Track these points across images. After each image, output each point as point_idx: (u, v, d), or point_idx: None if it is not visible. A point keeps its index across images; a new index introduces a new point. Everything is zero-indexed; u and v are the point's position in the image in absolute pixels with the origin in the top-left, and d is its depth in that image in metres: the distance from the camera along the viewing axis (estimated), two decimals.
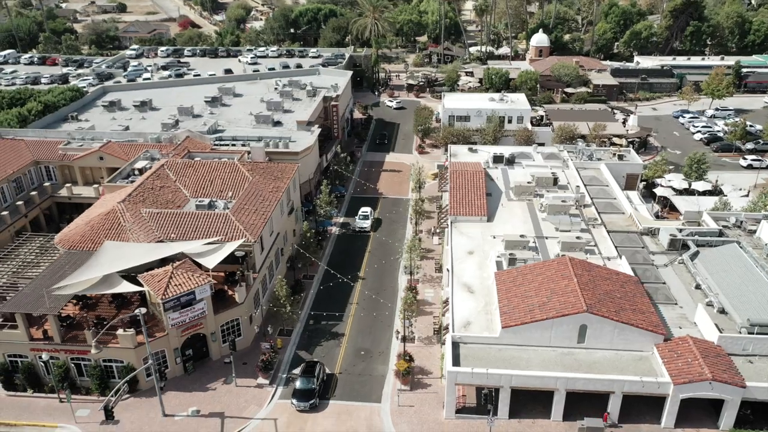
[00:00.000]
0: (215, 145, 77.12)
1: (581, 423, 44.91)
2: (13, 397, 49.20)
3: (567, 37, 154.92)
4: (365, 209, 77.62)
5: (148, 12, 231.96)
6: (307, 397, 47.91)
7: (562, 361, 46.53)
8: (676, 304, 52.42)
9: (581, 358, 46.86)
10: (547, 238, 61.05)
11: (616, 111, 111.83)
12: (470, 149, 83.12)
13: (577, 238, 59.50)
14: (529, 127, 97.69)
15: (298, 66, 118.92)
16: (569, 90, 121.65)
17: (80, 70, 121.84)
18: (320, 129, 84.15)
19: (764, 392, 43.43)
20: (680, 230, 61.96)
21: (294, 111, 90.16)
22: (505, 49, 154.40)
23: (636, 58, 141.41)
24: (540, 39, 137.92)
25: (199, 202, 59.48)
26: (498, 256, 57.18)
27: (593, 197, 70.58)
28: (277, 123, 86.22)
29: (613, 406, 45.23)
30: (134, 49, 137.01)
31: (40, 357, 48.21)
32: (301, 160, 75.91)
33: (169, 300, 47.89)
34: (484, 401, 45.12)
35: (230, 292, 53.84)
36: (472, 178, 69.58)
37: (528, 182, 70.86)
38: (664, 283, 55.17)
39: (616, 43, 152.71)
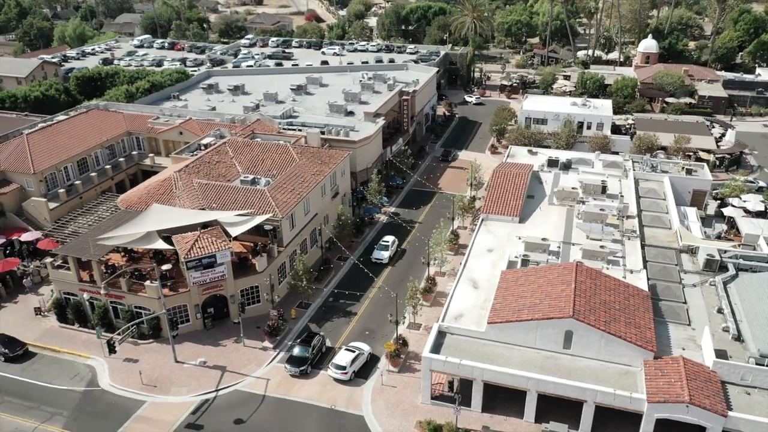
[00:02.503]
0: (283, 129, 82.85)
1: (545, 425, 44.63)
2: (63, 328, 57.47)
3: (690, 44, 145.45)
4: (387, 238, 69.91)
5: (281, 5, 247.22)
6: (300, 363, 51.54)
7: (543, 364, 46.31)
8: (688, 324, 49.87)
9: (564, 363, 46.34)
10: (573, 244, 59.99)
11: (715, 125, 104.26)
12: (530, 151, 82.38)
13: (601, 247, 58.00)
14: (608, 134, 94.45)
15: (391, 61, 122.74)
16: (670, 100, 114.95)
17: (199, 56, 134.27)
18: (385, 121, 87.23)
19: (747, 425, 40.67)
20: (724, 252, 58.27)
21: (369, 103, 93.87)
22: (614, 54, 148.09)
23: (758, 70, 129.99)
24: (648, 45, 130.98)
25: (245, 177, 65.02)
26: (515, 256, 57.37)
27: (643, 209, 67.84)
28: (350, 113, 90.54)
29: (586, 416, 44.43)
30: (249, 39, 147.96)
31: (84, 296, 56.00)
32: (359, 149, 79.58)
33: (191, 260, 53.54)
34: (449, 389, 46.14)
35: (253, 261, 58.70)
36: (513, 179, 69.43)
37: (573, 188, 69.46)
38: (684, 302, 52.49)
39: (740, 53, 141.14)
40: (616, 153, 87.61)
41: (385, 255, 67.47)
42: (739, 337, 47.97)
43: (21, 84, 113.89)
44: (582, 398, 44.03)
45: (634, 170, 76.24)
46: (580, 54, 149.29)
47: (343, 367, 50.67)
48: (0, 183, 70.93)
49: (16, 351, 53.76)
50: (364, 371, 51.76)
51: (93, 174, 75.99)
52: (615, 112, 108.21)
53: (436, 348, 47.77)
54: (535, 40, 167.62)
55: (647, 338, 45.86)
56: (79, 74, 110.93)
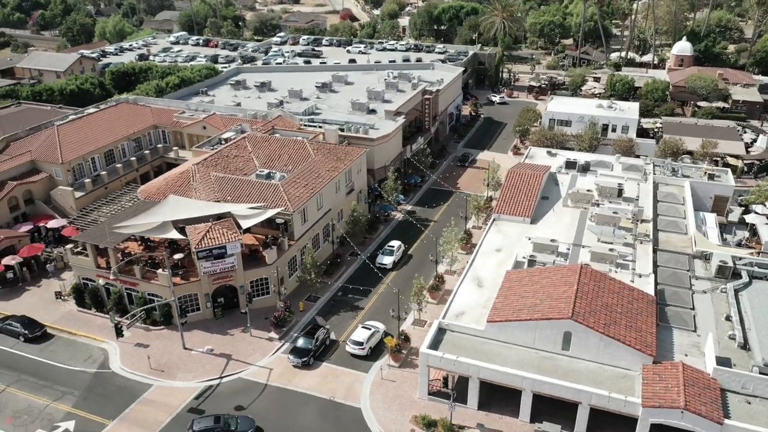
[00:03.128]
0: (304, 125, 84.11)
1: (538, 425, 44.58)
2: (80, 312, 59.73)
3: (730, 47, 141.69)
4: (393, 243, 69.01)
5: (318, 4, 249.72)
6: (302, 355, 52.55)
7: (541, 364, 46.22)
8: (693, 331, 49.09)
9: (562, 364, 46.14)
10: (583, 246, 59.53)
11: (746, 130, 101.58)
12: (549, 152, 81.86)
13: (610, 250, 57.43)
14: (633, 137, 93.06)
15: (418, 60, 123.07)
16: (702, 104, 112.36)
17: (231, 53, 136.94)
18: (405, 120, 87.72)
19: None
20: (739, 258, 57.07)
21: (392, 102, 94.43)
22: (648, 57, 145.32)
23: None
24: (682, 47, 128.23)
25: (260, 172, 66.37)
26: (522, 257, 57.27)
27: (659, 213, 66.86)
28: (372, 111, 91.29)
29: (581, 418, 44.21)
30: (280, 36, 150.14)
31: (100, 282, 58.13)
32: (377, 147, 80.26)
33: (202, 250, 55.05)
34: (444, 385, 46.45)
35: (263, 253, 59.94)
36: (528, 180, 69.15)
37: (588, 190, 68.82)
38: (692, 308, 51.67)
39: None
40: (639, 156, 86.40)
41: (389, 260, 66.58)
42: (745, 346, 47.08)
43: (60, 78, 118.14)
44: (577, 400, 43.83)
45: (654, 174, 75.10)
46: (614, 56, 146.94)
47: (361, 343, 53.40)
48: (31, 172, 74.02)
49: (35, 332, 56.14)
50: (378, 349, 54.22)
51: (119, 165, 78.59)
52: (643, 116, 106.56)
53: (435, 344, 48.13)
54: (569, 41, 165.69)
55: (647, 342, 45.34)
56: (114, 69, 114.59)
